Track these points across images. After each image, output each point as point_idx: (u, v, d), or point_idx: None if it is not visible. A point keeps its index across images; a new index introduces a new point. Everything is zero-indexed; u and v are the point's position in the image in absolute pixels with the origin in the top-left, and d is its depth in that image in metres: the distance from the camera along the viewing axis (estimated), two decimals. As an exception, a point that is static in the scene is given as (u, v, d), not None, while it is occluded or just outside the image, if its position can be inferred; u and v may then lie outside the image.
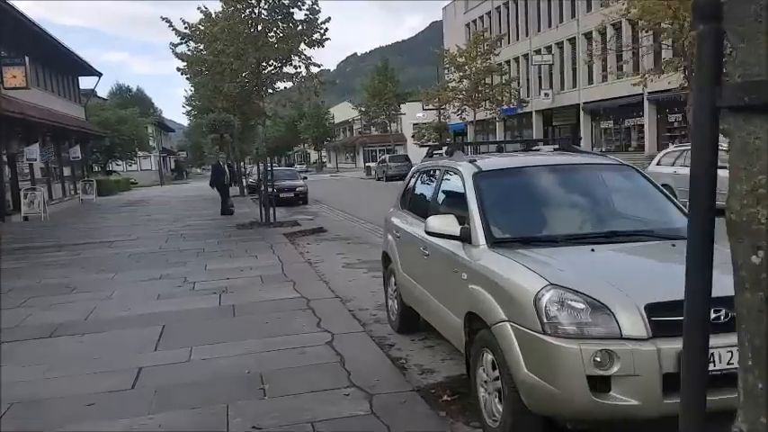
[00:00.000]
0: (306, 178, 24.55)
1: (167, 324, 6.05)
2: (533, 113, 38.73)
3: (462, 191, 4.38)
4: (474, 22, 43.39)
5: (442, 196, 4.93)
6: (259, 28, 13.69)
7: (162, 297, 7.37)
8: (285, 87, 14.29)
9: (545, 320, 3.08)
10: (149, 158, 61.52)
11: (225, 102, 14.50)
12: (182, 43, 13.99)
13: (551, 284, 3.14)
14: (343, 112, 79.05)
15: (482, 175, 4.36)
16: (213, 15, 14.00)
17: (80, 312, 6.71)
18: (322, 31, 13.91)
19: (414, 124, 59.07)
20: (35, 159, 18.54)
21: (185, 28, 13.75)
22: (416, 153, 46.01)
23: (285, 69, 14.27)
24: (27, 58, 18.01)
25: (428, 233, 4.18)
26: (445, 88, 32.16)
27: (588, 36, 34.19)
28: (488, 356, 3.55)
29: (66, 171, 26.09)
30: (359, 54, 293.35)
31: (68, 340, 5.68)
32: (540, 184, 4.38)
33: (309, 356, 4.90)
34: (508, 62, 39.90)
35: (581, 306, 3.05)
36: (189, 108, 39.64)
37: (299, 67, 14.15)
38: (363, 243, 12.19)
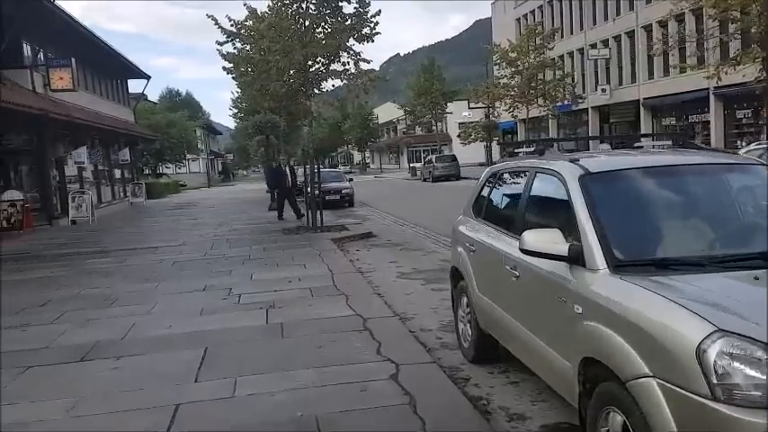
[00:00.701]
0: (352, 180, 23.91)
1: (210, 346, 5.39)
2: (589, 110, 37.10)
3: (564, 198, 3.54)
4: (525, 16, 41.96)
5: (532, 204, 4.08)
6: (306, 23, 13.08)
7: (205, 312, 6.74)
8: (333, 86, 13.65)
9: (714, 381, 2.22)
10: (198, 161, 62.33)
11: (271, 102, 13.94)
12: (228, 41, 13.50)
13: (720, 330, 2.27)
14: (386, 112, 78.50)
15: (591, 178, 3.50)
16: (260, 13, 13.42)
17: (118, 330, 6.13)
18: (372, 24, 13.19)
19: (459, 124, 57.96)
20: (83, 162, 18.48)
21: (231, 26, 13.25)
22: (463, 153, 45.10)
23: (333, 66, 13.60)
24: (73, 60, 17.94)
25: (524, 251, 3.34)
26: (496, 85, 31.02)
27: (648, 29, 32.47)
28: (617, 418, 2.69)
29: (116, 174, 26.22)
30: (401, 54, 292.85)
31: (101, 365, 5.08)
32: (667, 189, 3.48)
33: (372, 395, 4.13)
34: (561, 57, 38.40)
35: (766, 362, 2.18)
36: (235, 110, 39.59)
37: (348, 63, 13.46)
38: (416, 249, 11.40)
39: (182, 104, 64.03)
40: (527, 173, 4.25)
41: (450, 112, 50.46)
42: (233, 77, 19.14)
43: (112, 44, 23.62)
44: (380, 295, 7.40)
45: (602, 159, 4.04)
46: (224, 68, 15.36)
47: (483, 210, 5.01)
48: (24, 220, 14.86)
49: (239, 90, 26.76)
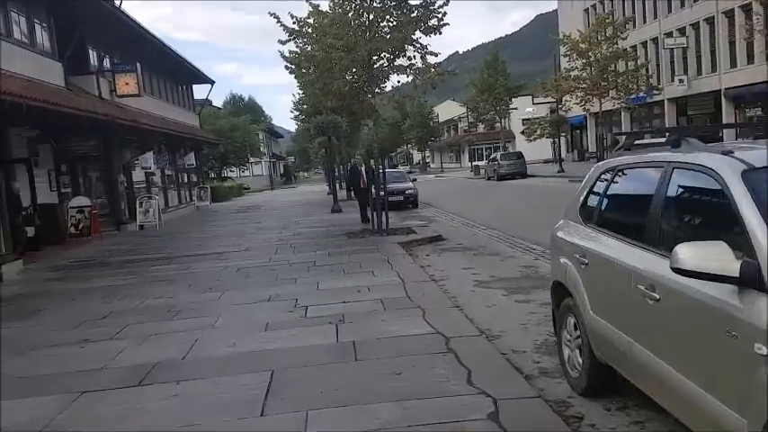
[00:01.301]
0: (415, 180, 23.22)
1: (277, 370, 4.82)
2: (665, 102, 34.92)
3: (720, 200, 2.74)
4: (593, 6, 39.99)
5: (671, 208, 3.26)
6: (370, 17, 12.48)
7: (271, 327, 6.20)
8: (398, 81, 12.97)
9: None
10: (260, 164, 63.26)
11: (334, 100, 13.40)
12: (290, 40, 13.06)
13: None
14: (447, 110, 77.41)
15: (759, 174, 2.68)
16: (322, 9, 12.91)
17: (179, 347, 5.67)
18: (439, 15, 12.45)
19: (523, 120, 56.24)
20: (149, 167, 18.62)
21: (294, 23, 12.81)
22: (527, 150, 43.47)
23: (398, 62, 12.94)
24: (138, 65, 18.08)
25: (678, 271, 2.55)
26: (565, 77, 29.57)
27: (729, 14, 30.20)
28: None
29: (182, 178, 26.56)
30: (460, 52, 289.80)
31: (159, 391, 4.58)
32: None
33: (472, 442, 3.41)
34: (634, 47, 36.36)
35: None
36: (296, 113, 39.63)
37: (414, 57, 12.77)
38: (491, 254, 10.59)
39: (245, 109, 65.20)
40: (659, 169, 3.42)
41: (515, 108, 48.89)
42: (295, 77, 18.85)
43: (178, 50, 23.89)
44: (459, 308, 6.68)
45: (760, 152, 3.18)
46: (286, 67, 14.98)
47: (596, 214, 4.20)
48: (92, 226, 14.97)
49: (301, 91, 26.56)
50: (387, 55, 12.91)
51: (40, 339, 6.39)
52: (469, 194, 27.73)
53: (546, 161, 51.65)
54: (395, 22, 12.58)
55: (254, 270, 9.85)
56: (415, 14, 12.44)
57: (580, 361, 4.24)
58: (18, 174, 13.46)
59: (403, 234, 13.20)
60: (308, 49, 13.45)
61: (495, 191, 28.46)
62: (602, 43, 28.19)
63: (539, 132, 47.50)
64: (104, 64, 18.04)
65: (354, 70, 12.66)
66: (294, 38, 13.14)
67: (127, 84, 17.60)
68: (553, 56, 52.01)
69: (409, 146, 78.25)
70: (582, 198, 4.58)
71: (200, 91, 32.13)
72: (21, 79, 11.72)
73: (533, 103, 62.51)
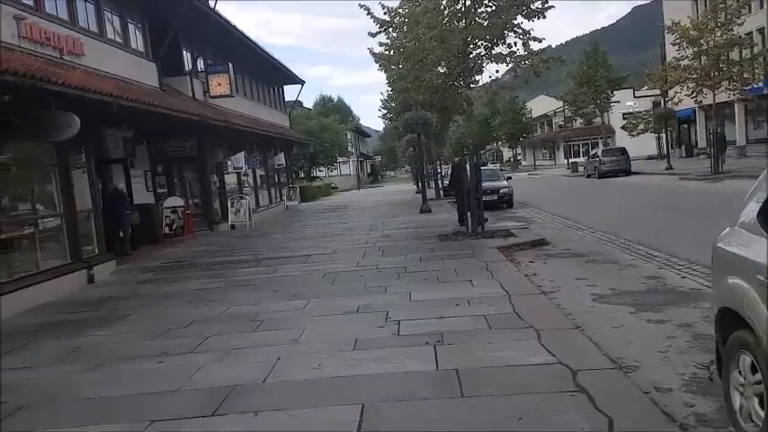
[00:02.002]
0: (510, 178, 21.94)
1: (368, 402, 4.07)
2: (789, 93, 31.32)
3: None
4: (703, -8, 36.63)
5: None
6: (466, 3, 11.56)
7: (360, 345, 5.48)
8: (496, 71, 11.96)
9: None
10: (348, 163, 63.69)
11: (425, 94, 12.58)
12: (380, 32, 12.39)
13: None
14: (539, 106, 74.56)
15: None
16: (414, -2, 12.11)
17: (260, 366, 5.06)
18: (543, -3, 11.34)
19: (624, 114, 52.87)
20: (241, 168, 18.67)
21: (385, 14, 12.13)
22: (627, 145, 40.55)
23: (496, 50, 11.93)
24: (231, 65, 18.13)
25: None
26: (674, 67, 27.10)
27: None
28: None
29: (272, 178, 26.76)
30: (554, 46, 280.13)
31: (234, 424, 3.96)
32: None
33: None
34: (750, 34, 32.88)
35: None
36: (384, 111, 39.26)
37: (515, 44, 11.71)
38: (606, 262, 9.37)
39: (334, 110, 65.85)
40: None
41: (618, 101, 45.88)
42: (384, 71, 18.20)
43: (269, 51, 23.99)
44: (580, 329, 5.67)
45: None
46: (375, 60, 14.37)
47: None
48: (185, 226, 15.05)
49: (390, 88, 26.01)
50: (484, 43, 11.90)
51: (119, 351, 6.02)
52: (569, 193, 26.05)
53: (649, 157, 48.23)
54: (493, 7, 11.58)
55: (341, 275, 9.23)
56: (516, -3, 11.40)
57: (761, 413, 3.18)
58: (115, 174, 13.69)
59: (501, 237, 12.17)
60: (400, 40, 12.71)
61: (599, 189, 26.56)
62: (716, 30, 25.50)
63: (642, 127, 44.34)
64: (198, 65, 18.26)
65: (449, 60, 11.75)
66: (385, 29, 12.45)
67: (219, 84, 17.70)
68: (660, 45, 48.47)
69: (499, 143, 76.07)
70: (763, 201, 3.48)
71: (290, 92, 32.45)
72: (114, 79, 11.81)
73: (634, 97, 58.71)
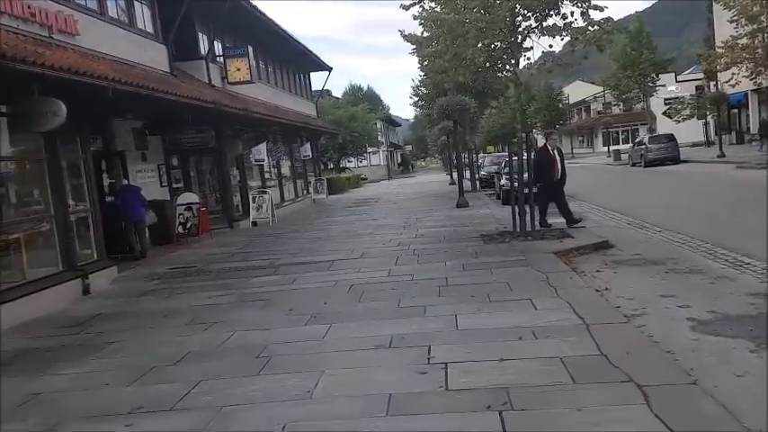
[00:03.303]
0: (555, 169, 20.05)
1: None
2: None
3: None
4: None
5: None
6: (515, -34, 9.90)
7: (395, 407, 4.00)
8: (550, 46, 10.27)
9: None
10: (378, 153, 62.20)
11: (466, 74, 10.96)
12: (415, 3, 10.81)
13: None
14: (576, 91, 71.76)
15: None
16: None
17: (256, 439, 3.62)
18: (606, -43, 9.61)
19: (665, 100, 50.09)
20: (263, 160, 17.32)
21: (421, -19, 10.55)
22: (673, 132, 38.02)
23: (549, 21, 10.24)
24: (250, 48, 16.73)
25: None
26: (731, 47, 24.75)
27: None
28: None
29: (298, 170, 25.41)
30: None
31: None
32: None
33: None
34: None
35: None
36: (416, 98, 37.54)
37: (571, 14, 10.00)
38: (691, 272, 7.68)
39: (363, 99, 64.29)
40: None
41: (663, 85, 43.23)
42: (415, 53, 16.66)
43: (294, 35, 22.55)
44: (692, 377, 4.09)
45: None
46: (405, 38, 12.86)
47: None
48: (201, 225, 13.77)
49: (422, 73, 24.37)
50: (534, 14, 10.22)
51: (81, 403, 4.67)
52: (617, 184, 24.08)
53: (694, 144, 45.54)
54: (547, -30, 9.89)
55: (369, 289, 7.74)
56: (574, -43, 9.68)
57: None
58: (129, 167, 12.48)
59: (555, 238, 10.53)
60: (437, 12, 11.11)
61: (649, 179, 24.50)
62: (779, 5, 23.19)
63: (687, 112, 41.69)
64: (215, 49, 16.92)
65: (494, 34, 10.11)
66: (420, 0, 10.85)
67: (238, 69, 16.35)
68: (708, 21, 45.54)
69: (535, 130, 73.51)
70: None
71: (317, 81, 31.02)
72: (115, 61, 10.50)
73: (676, 81, 55.73)
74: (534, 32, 10.30)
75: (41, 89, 7.79)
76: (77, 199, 9.66)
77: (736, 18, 24.25)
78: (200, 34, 16.13)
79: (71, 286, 8.79)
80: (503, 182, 19.10)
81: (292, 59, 24.93)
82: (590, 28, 9.69)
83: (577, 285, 7.16)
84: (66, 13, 9.56)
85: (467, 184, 24.26)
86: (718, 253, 8.58)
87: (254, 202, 16.90)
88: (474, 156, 29.94)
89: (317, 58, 26.29)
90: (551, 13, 10.19)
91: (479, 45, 10.39)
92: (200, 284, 9.09)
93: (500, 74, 11.44)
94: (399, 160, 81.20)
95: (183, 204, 13.60)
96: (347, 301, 7.21)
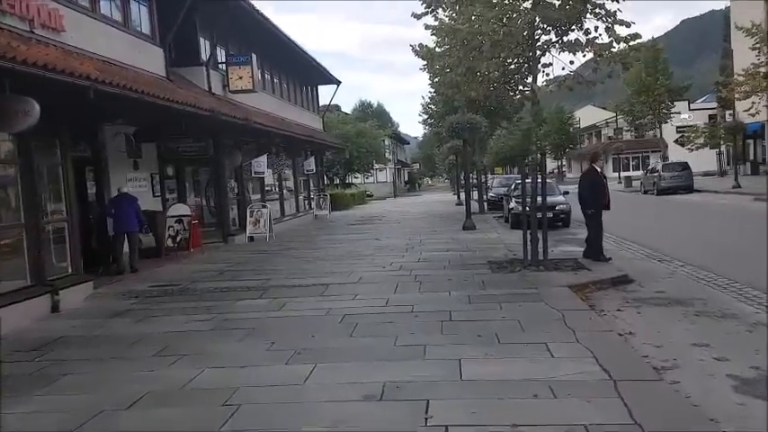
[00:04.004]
0: (567, 193, 19.29)
1: None
2: None
3: None
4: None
5: None
6: (536, -24, 9.22)
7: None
8: (570, 62, 9.53)
9: None
10: (385, 170, 61.52)
11: (480, 89, 10.23)
12: (426, 13, 10.12)
13: None
14: (586, 116, 71.15)
15: None
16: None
17: None
18: (634, -31, 8.91)
19: (677, 128, 49.33)
20: (263, 173, 16.59)
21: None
22: (683, 160, 37.15)
23: (570, 36, 9.53)
24: (254, 56, 16.09)
25: None
26: (753, 74, 24.04)
27: None
28: None
29: (301, 185, 24.69)
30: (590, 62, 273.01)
31: None
32: None
33: None
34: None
35: None
36: (424, 116, 36.91)
37: (594, 30, 9.29)
38: (724, 315, 6.85)
39: (373, 115, 63.79)
40: None
41: (678, 112, 42.49)
42: (426, 69, 16.07)
43: (303, 47, 21.97)
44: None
45: None
46: (416, 53, 12.26)
47: None
48: (191, 239, 13.03)
49: (432, 90, 23.75)
50: (556, 28, 9.51)
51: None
52: (631, 211, 23.14)
53: (707, 173, 44.68)
54: (569, -18, 9.19)
55: (364, 320, 6.94)
56: (599, -31, 8.99)
57: None
58: (117, 175, 11.78)
59: (569, 269, 9.71)
60: (450, 23, 10.43)
61: (664, 208, 23.66)
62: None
63: (701, 141, 40.88)
64: (217, 55, 16.31)
65: (512, 48, 9.40)
66: (432, 9, 10.17)
67: (240, 78, 15.71)
68: (728, 50, 44.90)
69: (545, 153, 72.82)
70: None
71: (326, 94, 30.38)
72: (100, 60, 9.82)
73: (689, 109, 55.03)
74: (554, 47, 9.55)
75: (14, 86, 7.11)
76: (54, 208, 8.94)
77: (758, 45, 23.58)
78: (201, 39, 15.50)
79: (39, 303, 8.03)
80: (512, 205, 18.33)
81: (300, 71, 24.35)
82: (615, 44, 8.93)
83: (598, 327, 6.34)
84: (51, 7, 8.92)
85: (474, 206, 23.47)
86: (750, 294, 7.78)
87: (251, 215, 16.16)
88: (483, 176, 29.12)
89: (326, 70, 25.71)
90: (573, 27, 9.47)
91: (494, 59, 9.66)
92: (179, 306, 8.30)
93: (515, 90, 10.68)
94: (406, 178, 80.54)
95: (173, 216, 12.86)
96: (338, 335, 6.40)
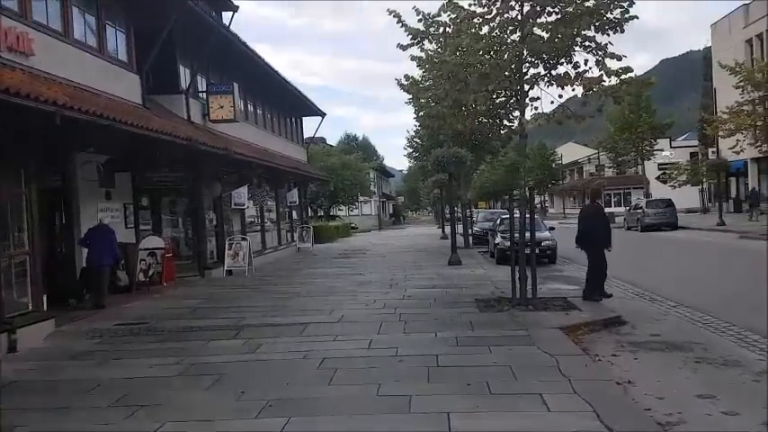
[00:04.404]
0: (553, 229, 19.03)
1: None
2: None
3: None
4: (760, 36, 33.77)
5: None
6: (526, 9, 9.03)
7: None
8: (559, 96, 9.29)
9: None
10: (369, 203, 61.29)
11: (467, 121, 9.95)
12: (413, 44, 9.87)
13: None
14: (567, 152, 71.92)
15: None
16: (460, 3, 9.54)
17: None
18: (625, 5, 8.77)
19: (659, 165, 49.86)
20: (243, 204, 16.11)
21: (420, 21, 9.62)
22: (671, 197, 37.38)
23: (559, 70, 9.33)
24: (236, 86, 15.77)
25: None
26: (738, 113, 24.27)
27: None
28: None
29: (284, 216, 24.18)
30: (579, 96, 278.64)
31: None
32: None
33: None
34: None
35: None
36: (409, 149, 36.82)
37: (583, 64, 9.10)
38: (726, 363, 6.47)
39: (358, 148, 63.86)
40: None
41: (662, 149, 42.93)
42: (412, 103, 15.98)
43: (288, 78, 21.76)
44: None
45: None
46: (401, 86, 12.08)
47: None
48: (165, 273, 12.45)
49: (417, 124, 23.60)
50: (545, 60, 9.32)
51: None
52: (617, 248, 22.90)
53: (689, 210, 45.00)
54: (559, 16, 9.02)
55: (345, 365, 6.43)
56: (589, 4, 8.83)
57: None
58: (89, 205, 11.24)
59: (559, 309, 9.32)
60: (436, 55, 10.21)
61: (649, 245, 23.52)
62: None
63: (684, 178, 41.24)
64: (198, 84, 15.97)
65: (499, 81, 9.17)
66: (419, 41, 9.95)
67: (221, 107, 15.35)
68: (709, 88, 45.70)
69: (534, 188, 73.27)
70: None
71: (311, 126, 30.22)
72: (71, 86, 9.40)
73: (671, 147, 55.74)
74: (543, 80, 9.33)
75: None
76: (17, 241, 8.38)
77: (741, 84, 23.89)
78: (181, 67, 15.13)
79: (-6, 343, 7.40)
80: (498, 240, 18.01)
81: (284, 102, 24.11)
82: (605, 79, 8.73)
83: (595, 375, 5.91)
84: (20, 30, 8.52)
85: (459, 240, 23.13)
86: (749, 339, 7.42)
87: (230, 248, 15.62)
88: (468, 210, 28.88)
89: (310, 102, 25.52)
90: (562, 61, 9.27)
91: (482, 93, 9.39)
92: (145, 347, 7.73)
93: (502, 124, 10.41)
94: (391, 211, 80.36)
95: (146, 249, 12.29)
96: (315, 383, 5.89)
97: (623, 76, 8.74)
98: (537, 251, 17.04)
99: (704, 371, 6.26)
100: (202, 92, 15.98)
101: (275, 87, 21.38)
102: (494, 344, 7.13)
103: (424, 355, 6.69)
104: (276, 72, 20.06)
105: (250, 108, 20.60)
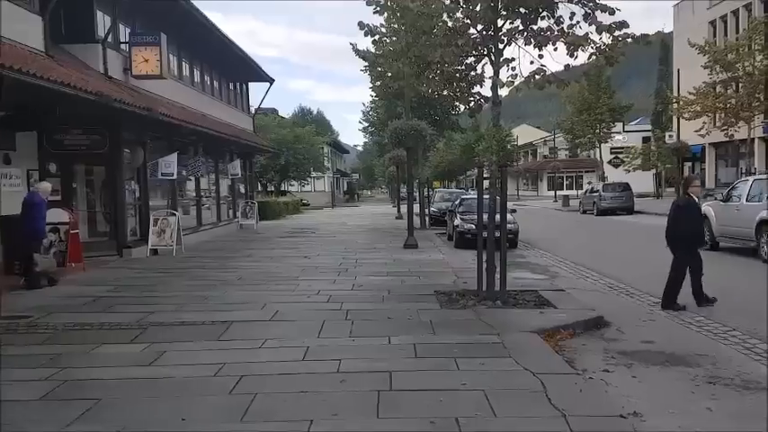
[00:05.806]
0: (514, 211, 17.78)
1: None
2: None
3: None
4: (723, 18, 33.43)
5: None
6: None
7: None
8: (540, 56, 7.82)
9: None
10: (323, 179, 59.34)
11: (435, 82, 8.38)
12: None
13: None
14: (522, 135, 71.63)
15: None
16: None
17: None
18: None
19: (611, 149, 49.74)
20: (172, 174, 14.14)
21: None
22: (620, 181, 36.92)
23: (540, 24, 7.87)
24: (164, 36, 13.67)
25: None
26: (705, 94, 23.54)
27: None
28: None
29: (224, 190, 22.19)
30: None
31: None
32: None
33: None
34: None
35: None
36: (365, 123, 35.17)
37: (570, 17, 7.66)
38: (745, 385, 5.21)
39: (312, 122, 61.61)
40: None
41: (619, 132, 42.54)
42: (367, 70, 14.39)
43: (232, 37, 19.60)
44: None
45: None
46: (356, 52, 10.38)
47: None
48: (69, 252, 10.54)
49: (374, 94, 21.93)
50: (523, 11, 7.83)
51: None
52: (576, 232, 22.08)
53: (641, 195, 45.08)
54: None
55: (268, 389, 4.87)
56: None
57: None
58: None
59: (531, 305, 8.02)
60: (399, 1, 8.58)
61: (608, 230, 22.74)
62: (756, 54, 22.09)
63: (640, 162, 41.08)
64: (120, 34, 13.81)
65: (472, 34, 7.65)
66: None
67: (146, 60, 13.28)
68: (664, 72, 45.56)
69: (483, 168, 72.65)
70: None
71: (258, 92, 28.10)
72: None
73: (623, 131, 55.81)
74: (521, 36, 7.85)
75: None
76: None
77: (710, 64, 23.15)
78: (99, 13, 12.93)
79: None
80: (457, 222, 16.67)
81: (226, 64, 21.92)
82: (596, 35, 7.32)
83: (593, 405, 4.56)
84: None
85: (415, 221, 21.78)
86: (757, 347, 6.28)
87: (155, 225, 13.70)
88: (426, 190, 27.55)
89: (256, 65, 23.37)
90: (544, 14, 7.80)
91: (450, 48, 7.85)
92: (15, 353, 5.96)
93: (470, 91, 8.87)
94: (345, 188, 78.52)
95: (48, 224, 10.28)
96: (224, 416, 4.32)
97: (617, 33, 7.33)
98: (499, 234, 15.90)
99: (723, 396, 4.99)
100: (124, 43, 13.83)
101: (216, 46, 19.20)
102: (461, 355, 5.71)
103: (373, 373, 5.21)
104: (217, 28, 17.91)
105: (186, 67, 18.44)
